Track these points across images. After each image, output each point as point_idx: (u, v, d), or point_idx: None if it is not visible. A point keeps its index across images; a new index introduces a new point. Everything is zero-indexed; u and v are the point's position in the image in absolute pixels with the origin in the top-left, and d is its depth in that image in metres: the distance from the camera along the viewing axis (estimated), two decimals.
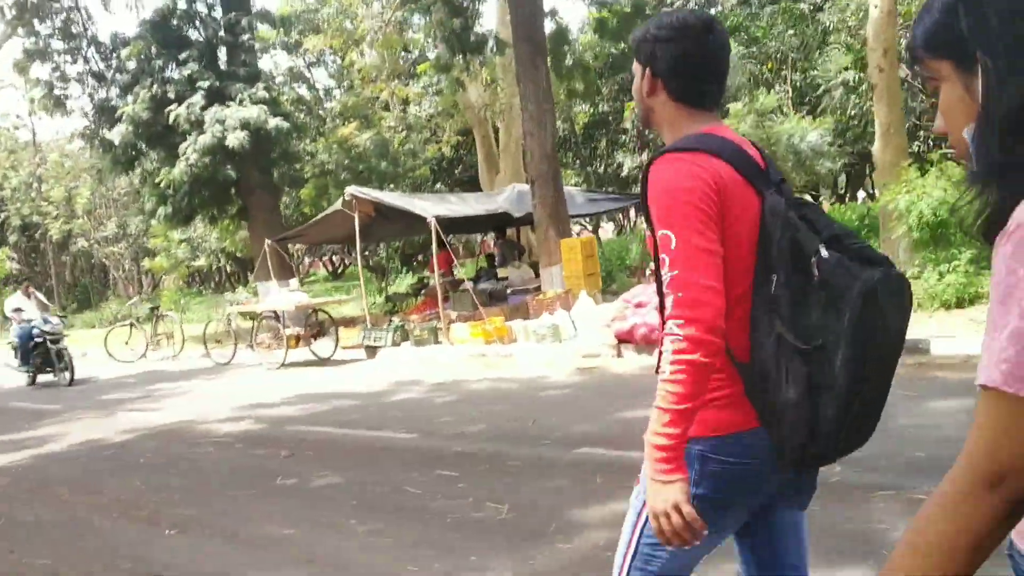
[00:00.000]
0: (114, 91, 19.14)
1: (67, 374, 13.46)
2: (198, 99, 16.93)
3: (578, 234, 19.34)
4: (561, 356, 10.65)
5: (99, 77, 19.17)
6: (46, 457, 7.88)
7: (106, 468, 7.12)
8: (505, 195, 16.55)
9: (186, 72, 17.12)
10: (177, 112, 16.82)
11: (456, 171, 27.13)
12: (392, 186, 22.63)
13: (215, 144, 16.49)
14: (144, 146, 17.95)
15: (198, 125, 16.90)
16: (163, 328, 16.22)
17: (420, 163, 23.57)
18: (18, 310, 14.02)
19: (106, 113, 18.96)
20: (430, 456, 6.11)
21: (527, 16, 13.85)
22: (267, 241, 16.14)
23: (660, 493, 1.65)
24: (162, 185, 17.13)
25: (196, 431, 8.36)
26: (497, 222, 16.25)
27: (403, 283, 25.08)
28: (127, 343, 16.41)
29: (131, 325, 16.46)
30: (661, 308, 1.74)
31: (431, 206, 14.24)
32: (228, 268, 33.76)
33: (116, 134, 17.01)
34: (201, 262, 28.42)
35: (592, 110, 26.65)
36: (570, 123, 26.80)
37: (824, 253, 1.67)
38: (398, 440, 6.86)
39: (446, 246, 15.39)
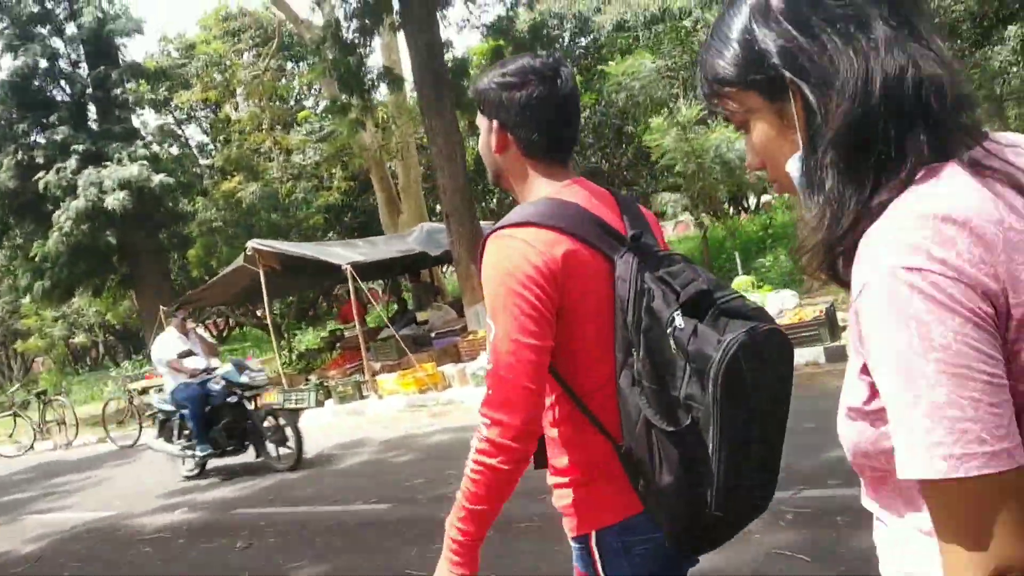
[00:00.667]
0: None
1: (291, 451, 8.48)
2: (71, 163, 15.66)
3: None
4: None
5: None
6: None
7: None
8: (415, 235, 15.87)
9: (56, 136, 15.78)
10: (47, 179, 15.46)
11: (346, 217, 26.22)
12: (284, 238, 21.63)
13: (91, 208, 15.23)
14: (11, 218, 16.41)
15: (71, 190, 15.59)
16: (52, 414, 14.68)
17: (312, 212, 22.59)
18: (188, 354, 9.02)
19: None
20: (422, 527, 5.36)
21: (425, 47, 13.31)
22: (162, 308, 14.93)
23: None
24: (36, 259, 15.65)
25: (125, 528, 7.30)
26: (411, 264, 15.56)
27: (304, 339, 23.95)
28: (11, 435, 14.79)
29: (14, 415, 14.84)
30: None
31: (343, 252, 13.45)
32: (106, 343, 31.66)
33: None
34: (80, 339, 26.39)
35: None
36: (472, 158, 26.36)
37: (679, 322, 1.50)
38: (376, 512, 6.07)
39: (360, 294, 14.58)
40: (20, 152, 15.81)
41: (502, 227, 1.62)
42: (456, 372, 11.85)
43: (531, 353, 1.52)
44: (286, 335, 21.24)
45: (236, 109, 22.46)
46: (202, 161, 26.87)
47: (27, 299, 17.01)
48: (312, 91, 28.57)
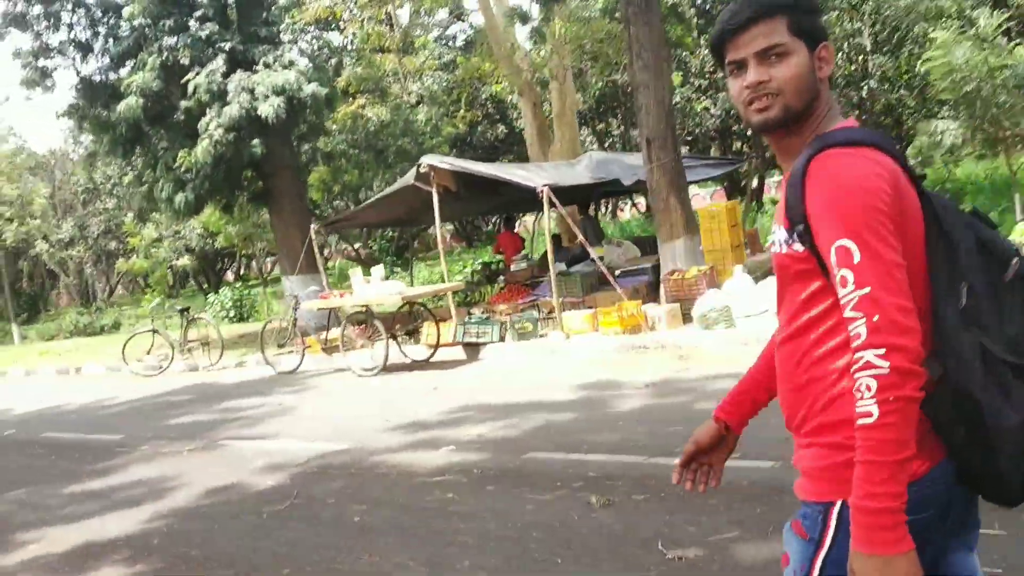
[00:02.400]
0: (104, 61, 16.43)
1: None
2: (219, 64, 14.43)
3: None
4: (749, 342, 8.59)
5: (84, 47, 16.41)
6: (185, 517, 5.58)
7: (321, 537, 4.88)
8: (583, 164, 14.49)
9: (202, 32, 14.58)
10: (196, 81, 14.30)
11: (468, 152, 24.91)
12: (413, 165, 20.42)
13: (243, 116, 14.04)
14: (148, 125, 15.32)
15: (220, 96, 14.41)
16: (194, 333, 13.70)
17: (441, 140, 21.26)
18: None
19: (95, 89, 16.27)
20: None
21: None
22: (313, 227, 13.80)
23: (886, 570, 1.40)
24: (180, 168, 14.56)
25: (383, 466, 6.13)
26: (584, 195, 14.23)
27: (419, 276, 22.81)
28: (148, 352, 13.87)
29: (152, 331, 13.89)
30: (793, 335, 1.61)
31: (531, 175, 12.11)
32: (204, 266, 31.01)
33: (123, 108, 14.36)
34: (184, 260, 25.55)
35: (603, 82, 24.61)
36: (583, 92, 24.75)
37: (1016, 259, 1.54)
38: (750, 470, 4.73)
39: (511, 225, 13.28)
40: (164, 52, 14.66)
41: (839, 144, 1.52)
42: (664, 312, 10.53)
43: (901, 273, 1.46)
44: (410, 267, 20.10)
45: (364, 26, 21.04)
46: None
47: (162, 212, 15.84)
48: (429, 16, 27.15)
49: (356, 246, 28.57)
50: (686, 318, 10.67)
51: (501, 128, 26.54)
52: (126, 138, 15.58)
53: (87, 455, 8.09)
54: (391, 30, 22.68)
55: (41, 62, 15.98)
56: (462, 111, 23.15)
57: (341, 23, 20.20)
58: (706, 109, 22.01)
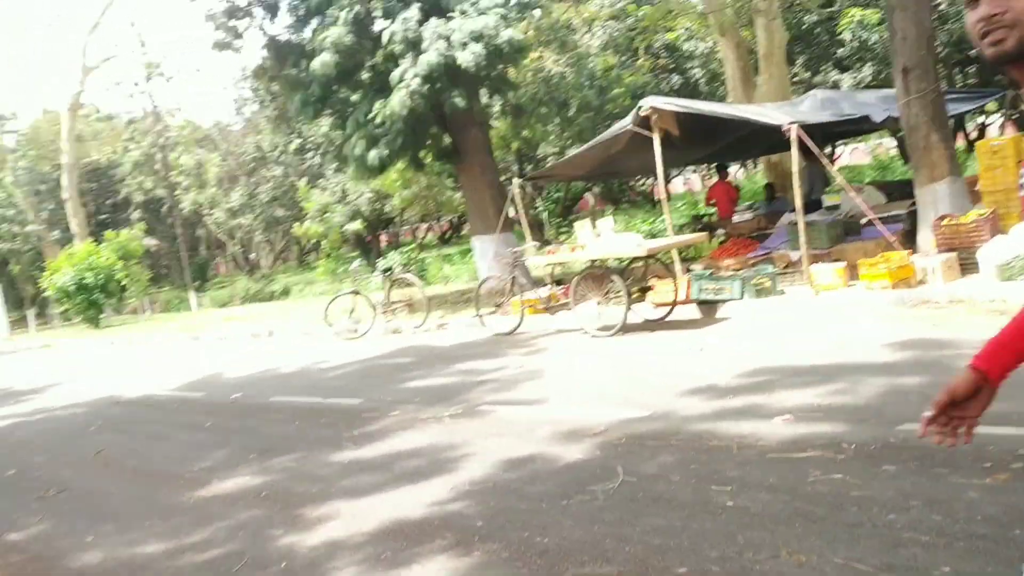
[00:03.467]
0: (288, 19, 16.11)
1: None
2: (413, 12, 13.78)
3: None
4: None
5: (271, 7, 16.14)
6: (496, 494, 4.83)
7: (699, 524, 4.00)
8: (807, 103, 13.14)
9: None
10: (391, 29, 13.70)
11: None
12: (596, 117, 19.36)
13: (441, 64, 13.34)
14: (339, 82, 14.87)
15: (414, 45, 13.77)
16: (397, 294, 13.23)
17: (624, 91, 20.11)
18: None
19: (282, 49, 15.99)
20: None
21: None
22: (516, 182, 13.02)
23: None
24: (374, 122, 14.04)
25: (706, 435, 5.21)
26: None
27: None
28: (351, 314, 13.51)
29: (354, 293, 13.49)
30: None
31: (769, 113, 10.91)
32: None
33: (318, 65, 13.92)
34: (356, 226, 25.46)
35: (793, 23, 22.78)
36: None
37: None
38: None
39: (724, 175, 12.04)
40: (356, 5, 14.13)
41: None
42: (939, 263, 9.19)
43: None
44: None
45: None
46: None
47: (353, 170, 15.40)
48: None
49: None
50: (964, 268, 9.33)
51: (676, 78, 25.12)
52: (317, 96, 15.22)
53: (336, 421, 7.55)
54: None
55: (232, 22, 15.77)
56: (640, 60, 21.88)
57: None
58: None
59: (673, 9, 18.39)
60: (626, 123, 11.46)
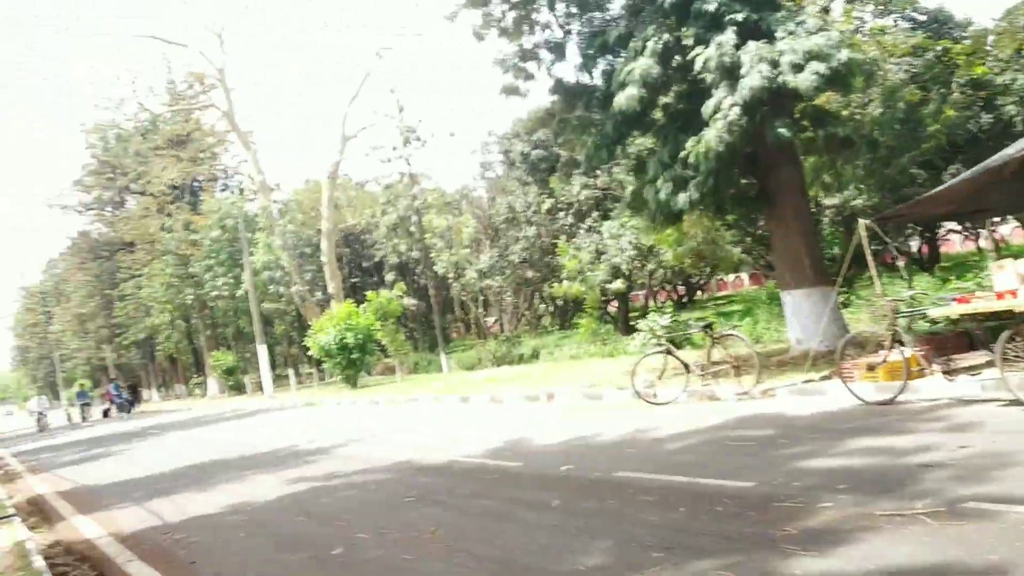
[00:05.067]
0: (576, 59, 15.06)
1: None
2: (729, 36, 12.19)
3: None
4: None
5: (557, 48, 15.18)
6: None
7: None
8: None
9: (708, 7, 12.43)
10: (705, 55, 12.16)
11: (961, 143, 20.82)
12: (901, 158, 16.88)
13: (764, 89, 11.60)
14: (636, 119, 13.49)
15: (730, 72, 12.14)
16: (719, 353, 11.42)
17: (938, 128, 17.50)
18: None
19: (570, 90, 14.94)
20: None
21: None
22: (862, 222, 10.89)
23: None
24: (684, 161, 12.48)
25: None
26: None
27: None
28: (660, 376, 11.82)
29: (666, 352, 11.82)
30: None
31: None
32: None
33: (622, 100, 12.61)
34: (617, 284, 23.99)
35: None
36: None
37: None
38: None
39: None
40: (664, 32, 12.78)
41: None
42: None
43: None
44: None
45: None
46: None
47: (651, 218, 13.81)
48: None
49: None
50: None
51: (985, 117, 22.02)
52: (611, 138, 13.93)
53: (740, 510, 5.77)
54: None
55: (524, 63, 14.89)
56: (954, 93, 19.18)
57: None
58: None
59: (974, 46, 15.73)
60: (1010, 152, 9.14)
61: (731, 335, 11.67)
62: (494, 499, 7.51)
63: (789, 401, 10.54)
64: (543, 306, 36.75)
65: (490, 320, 43.96)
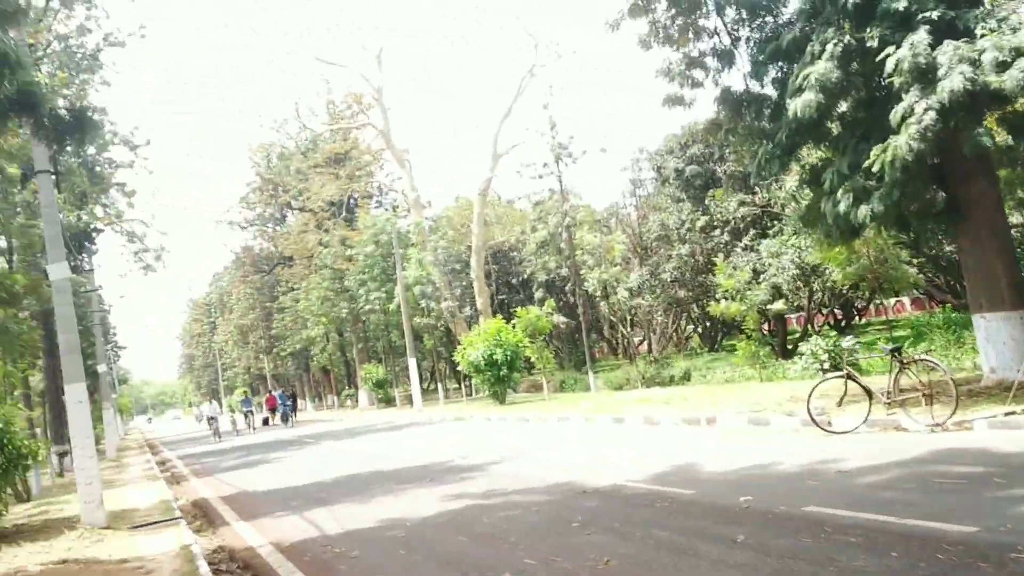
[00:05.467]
0: (746, 67, 14.31)
1: None
2: (922, 36, 11.21)
3: None
4: None
5: (726, 56, 14.49)
6: None
7: None
8: None
9: (898, 5, 11.49)
10: (897, 56, 11.22)
11: None
12: None
13: (965, 92, 10.56)
14: (813, 127, 12.63)
15: (923, 75, 11.14)
16: (907, 380, 10.43)
17: None
18: None
19: (738, 99, 14.21)
20: None
21: None
22: None
23: None
24: (867, 171, 11.55)
25: None
26: None
27: None
28: (840, 403, 10.92)
29: (847, 377, 10.91)
30: None
31: None
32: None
33: (799, 105, 11.82)
34: (778, 305, 22.84)
35: None
36: None
37: None
38: None
39: None
40: (844, 35, 11.92)
41: None
42: None
43: None
44: None
45: None
46: None
47: (828, 233, 12.87)
48: None
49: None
50: None
51: None
52: (784, 147, 13.12)
53: (968, 559, 5.01)
54: None
55: (691, 71, 14.29)
56: None
57: None
58: None
59: None
60: None
61: (923, 360, 10.61)
62: (669, 529, 6.95)
63: (990, 435, 9.48)
64: (690, 327, 35.64)
65: (636, 339, 43.15)
